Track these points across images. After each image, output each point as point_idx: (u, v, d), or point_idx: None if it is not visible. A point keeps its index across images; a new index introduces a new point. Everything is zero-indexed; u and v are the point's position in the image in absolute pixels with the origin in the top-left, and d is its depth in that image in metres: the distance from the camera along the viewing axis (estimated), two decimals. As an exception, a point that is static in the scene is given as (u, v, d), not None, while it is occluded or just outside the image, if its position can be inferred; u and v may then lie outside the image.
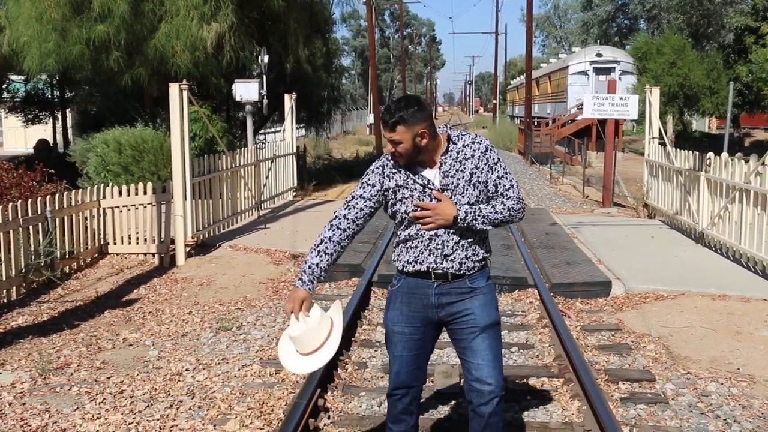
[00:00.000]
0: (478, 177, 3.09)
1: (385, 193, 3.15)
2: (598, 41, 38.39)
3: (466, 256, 3.11)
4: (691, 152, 9.71)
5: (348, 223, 3.22)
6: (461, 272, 3.11)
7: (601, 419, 3.86)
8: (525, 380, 4.81)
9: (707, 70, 24.85)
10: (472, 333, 3.11)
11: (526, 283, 7.11)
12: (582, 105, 17.29)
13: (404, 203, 3.10)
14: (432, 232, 3.07)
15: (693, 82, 24.40)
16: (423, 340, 3.21)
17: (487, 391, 3.06)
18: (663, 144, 11.05)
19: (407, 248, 3.15)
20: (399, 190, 3.11)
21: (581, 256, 8.14)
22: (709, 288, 6.91)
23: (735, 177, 8.06)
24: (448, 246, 3.08)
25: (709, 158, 8.87)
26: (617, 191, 14.76)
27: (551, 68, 40.28)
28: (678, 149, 10.35)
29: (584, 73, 33.02)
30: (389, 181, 3.13)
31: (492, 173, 3.11)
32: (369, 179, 3.17)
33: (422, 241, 3.10)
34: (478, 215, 3.05)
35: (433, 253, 3.09)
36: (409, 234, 3.13)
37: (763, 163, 7.44)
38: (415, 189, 3.08)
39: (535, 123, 32.45)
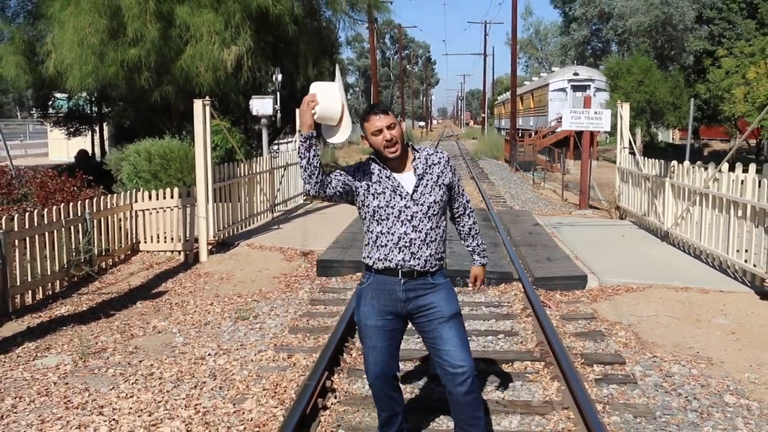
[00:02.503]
0: (443, 180, 3.17)
1: (357, 184, 3.13)
2: (575, 62, 38.30)
3: (430, 254, 3.12)
4: (657, 161, 9.71)
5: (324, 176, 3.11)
6: (425, 269, 3.11)
7: (578, 398, 3.87)
8: (510, 364, 4.81)
9: (671, 88, 24.87)
10: (440, 323, 3.11)
11: (511, 277, 7.11)
12: (561, 118, 17.27)
13: (376, 198, 3.10)
14: (401, 231, 3.08)
15: (658, 98, 24.41)
16: (394, 331, 3.20)
17: (461, 372, 3.05)
18: (633, 153, 11.04)
19: (377, 246, 3.13)
20: (372, 186, 3.11)
21: (561, 253, 8.13)
22: (673, 281, 6.91)
23: (695, 183, 8.06)
24: (415, 245, 3.09)
25: (673, 166, 8.87)
26: (592, 195, 14.75)
27: (534, 86, 40.23)
28: (646, 158, 10.35)
29: (563, 90, 32.97)
30: (364, 176, 3.13)
31: (455, 178, 3.23)
32: (349, 171, 3.17)
33: (392, 239, 3.10)
34: (485, 249, 3.46)
35: (402, 251, 3.09)
36: (380, 231, 3.11)
37: (719, 171, 7.44)
38: (387, 187, 3.10)
39: (520, 134, 32.43)
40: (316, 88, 3.12)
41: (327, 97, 3.08)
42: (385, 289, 3.14)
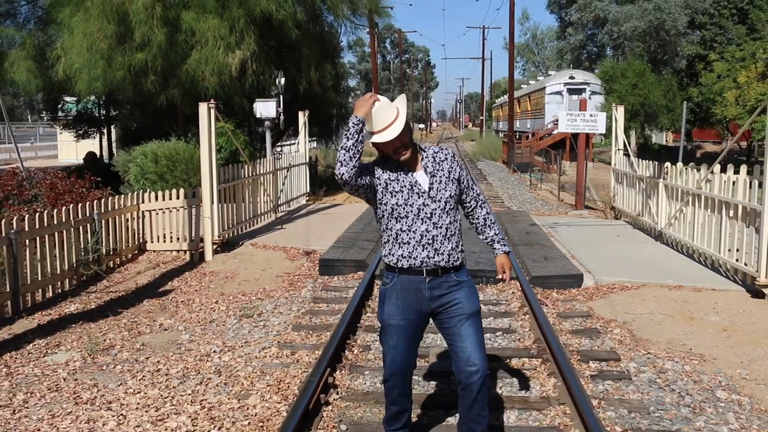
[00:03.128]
0: (454, 174, 3.17)
1: (377, 181, 3.11)
2: (571, 66, 38.31)
3: (451, 248, 3.12)
4: (651, 162, 9.70)
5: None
6: (449, 264, 3.11)
7: (574, 394, 3.87)
8: (508, 360, 4.81)
9: (664, 92, 24.88)
10: (460, 320, 3.11)
11: (508, 275, 7.10)
12: (557, 121, 17.27)
13: (395, 196, 3.09)
14: (423, 228, 3.08)
15: (652, 101, 24.42)
16: (416, 330, 3.20)
17: (475, 370, 3.06)
18: (627, 155, 11.04)
19: (399, 243, 3.11)
20: (390, 183, 3.10)
21: (557, 252, 8.13)
22: (667, 280, 6.91)
23: (688, 183, 8.06)
24: (437, 240, 3.09)
25: (667, 167, 8.87)
26: (588, 196, 14.75)
27: (531, 89, 40.23)
28: (640, 159, 10.34)
29: (559, 93, 32.99)
30: (383, 173, 3.12)
31: (463, 171, 3.23)
32: (368, 163, 3.16)
33: (414, 237, 3.08)
34: (504, 237, 3.37)
35: (426, 248, 3.09)
36: (400, 229, 3.10)
37: (712, 172, 7.44)
38: (405, 186, 3.09)
39: (517, 136, 32.40)
40: (385, 101, 3.07)
41: (385, 108, 3.04)
42: (411, 288, 3.12)
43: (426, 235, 3.08)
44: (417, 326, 3.19)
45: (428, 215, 3.08)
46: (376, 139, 3.03)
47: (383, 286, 3.22)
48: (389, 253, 3.15)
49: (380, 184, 3.11)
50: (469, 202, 3.29)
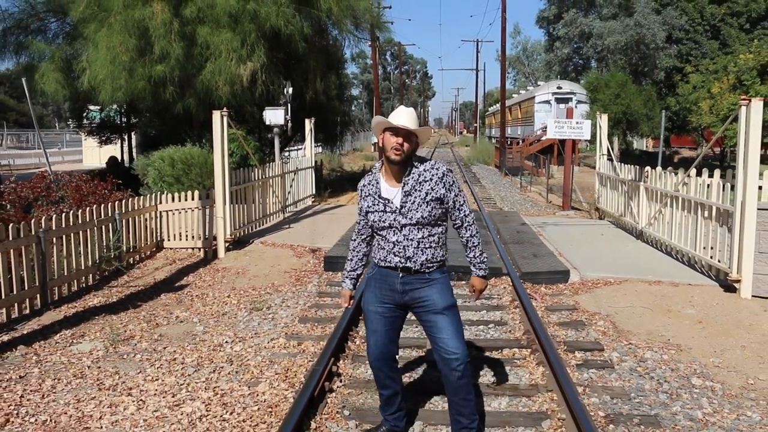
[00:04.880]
0: (433, 195, 3.07)
1: (364, 204, 3.20)
2: (559, 77, 38.26)
3: (426, 259, 3.10)
4: (632, 166, 9.69)
5: (363, 227, 3.31)
6: (422, 270, 3.11)
7: (561, 381, 3.86)
8: (499, 351, 4.80)
9: (644, 101, 24.87)
10: (434, 313, 3.10)
11: (501, 272, 7.10)
12: (546, 128, 17.27)
13: (372, 213, 3.16)
14: (395, 239, 3.10)
15: (633, 110, 24.40)
16: (393, 318, 3.21)
17: (454, 359, 3.05)
18: (610, 159, 11.03)
19: (378, 248, 3.20)
20: (370, 205, 3.16)
21: (545, 250, 8.12)
22: (647, 275, 6.90)
23: (667, 186, 8.05)
24: (409, 250, 3.09)
25: (647, 171, 8.86)
26: (574, 197, 14.73)
27: (521, 98, 40.17)
28: (622, 164, 10.33)
29: (548, 102, 32.92)
30: (364, 201, 3.20)
31: (450, 193, 3.11)
32: (359, 197, 3.26)
33: (387, 246, 3.14)
34: (484, 261, 3.25)
35: (398, 255, 3.11)
36: (379, 238, 3.19)
37: (688, 176, 7.44)
38: (379, 204, 3.12)
39: (509, 142, 32.39)
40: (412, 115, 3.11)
41: (410, 113, 3.08)
42: (386, 280, 3.16)
43: (398, 245, 3.10)
44: (393, 315, 3.20)
45: (399, 228, 3.09)
46: (391, 118, 3.05)
47: (367, 275, 3.30)
48: (373, 255, 3.27)
49: (365, 206, 3.19)
50: (455, 221, 3.20)
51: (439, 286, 3.13)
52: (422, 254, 3.08)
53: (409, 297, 3.14)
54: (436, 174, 3.09)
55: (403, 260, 3.09)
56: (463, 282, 6.79)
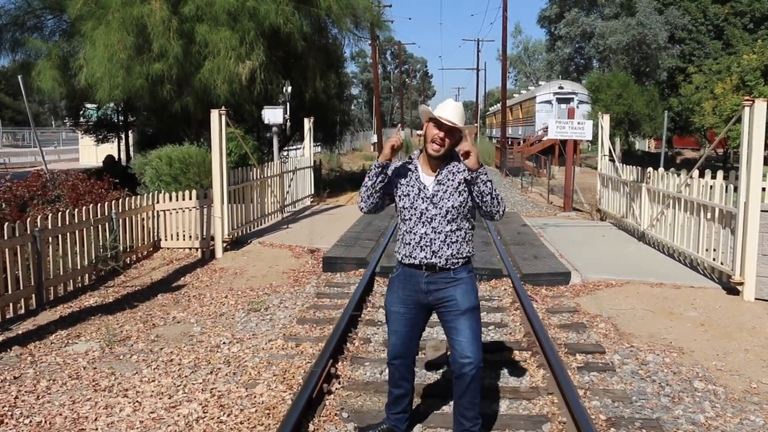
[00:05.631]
0: (464, 187, 3.10)
1: (394, 187, 3.17)
2: (560, 77, 38.29)
3: (451, 253, 3.10)
4: (634, 167, 9.69)
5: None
6: (447, 266, 3.11)
7: (561, 384, 3.86)
8: (500, 353, 4.79)
9: (647, 101, 24.90)
10: (456, 316, 3.11)
11: (501, 273, 7.09)
12: (547, 128, 17.27)
13: (402, 199, 3.14)
14: (422, 231, 3.08)
15: (636, 110, 24.44)
16: (415, 319, 3.22)
17: (468, 362, 3.07)
18: (612, 160, 11.03)
19: (404, 244, 3.17)
20: (401, 187, 3.14)
21: (546, 252, 8.12)
22: (649, 277, 6.90)
23: (669, 188, 8.05)
24: (435, 244, 3.09)
25: (649, 172, 8.86)
26: (575, 198, 14.74)
27: (522, 98, 40.19)
28: (624, 165, 10.33)
29: (549, 102, 32.93)
30: (399, 178, 3.16)
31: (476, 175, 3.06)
32: (392, 168, 3.18)
33: (414, 239, 3.11)
34: (486, 178, 3.03)
35: (423, 250, 3.10)
36: (405, 230, 3.15)
37: (691, 177, 7.44)
38: (413, 189, 3.11)
39: (509, 142, 32.40)
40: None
41: (458, 108, 3.07)
42: (410, 280, 3.16)
43: (424, 238, 3.09)
44: (416, 316, 3.21)
45: (428, 219, 3.09)
46: (437, 112, 3.03)
47: (391, 274, 3.30)
48: (397, 251, 3.23)
49: (397, 189, 3.17)
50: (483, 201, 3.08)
51: (464, 287, 3.14)
52: (448, 249, 3.10)
53: (434, 297, 3.14)
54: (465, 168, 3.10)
55: (429, 255, 3.09)
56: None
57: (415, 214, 3.10)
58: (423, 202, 3.09)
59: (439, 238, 3.09)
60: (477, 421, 3.21)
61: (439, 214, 3.08)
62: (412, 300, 3.17)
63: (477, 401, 3.17)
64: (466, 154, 3.00)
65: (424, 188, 3.09)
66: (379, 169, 3.09)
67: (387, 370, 3.39)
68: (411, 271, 3.15)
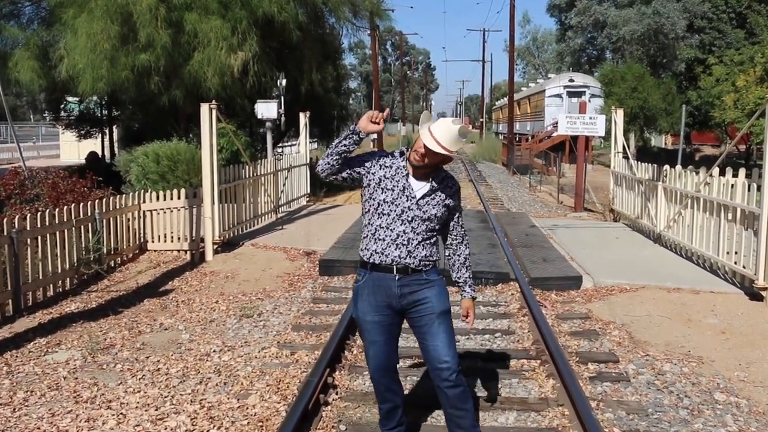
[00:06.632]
0: (448, 203, 3.17)
1: (371, 177, 3.15)
2: (571, 69, 38.33)
3: (425, 255, 3.14)
4: (650, 165, 9.70)
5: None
6: (419, 267, 3.13)
7: (573, 395, 3.85)
8: (507, 362, 4.79)
9: (663, 95, 24.91)
10: (430, 319, 3.13)
11: (508, 277, 7.09)
12: (557, 123, 17.28)
13: (385, 192, 3.12)
14: (401, 228, 3.10)
15: (651, 104, 24.45)
16: (391, 326, 3.21)
17: (446, 367, 3.08)
18: (626, 157, 11.03)
19: (375, 239, 3.14)
20: (384, 181, 3.13)
21: (556, 254, 8.11)
22: (666, 282, 6.89)
23: (687, 186, 8.05)
24: (412, 244, 3.12)
25: (666, 170, 8.86)
26: (587, 198, 14.74)
27: (530, 91, 40.24)
28: (639, 162, 10.33)
29: (559, 96, 32.98)
30: (380, 170, 3.15)
31: (458, 206, 3.26)
32: (368, 157, 3.20)
33: (390, 235, 3.11)
34: (471, 284, 3.34)
35: (399, 248, 3.11)
36: (380, 225, 3.13)
37: (710, 175, 7.43)
38: (398, 185, 3.11)
39: (517, 138, 32.41)
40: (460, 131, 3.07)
41: (455, 135, 3.04)
42: (381, 285, 3.14)
43: (402, 236, 3.11)
44: (392, 322, 3.21)
45: (409, 219, 3.10)
46: (424, 139, 3.03)
47: (356, 283, 3.25)
48: (365, 248, 3.19)
49: (374, 180, 3.14)
50: (456, 237, 3.27)
51: (437, 288, 3.17)
52: (423, 250, 3.13)
53: (407, 300, 3.15)
54: (455, 185, 3.24)
55: (404, 254, 3.10)
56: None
57: (395, 210, 3.11)
58: (407, 201, 3.11)
59: (416, 238, 3.11)
60: (476, 431, 3.21)
61: (421, 217, 3.11)
62: (386, 306, 3.16)
63: (468, 407, 3.17)
64: (466, 316, 3.33)
65: (410, 188, 3.11)
66: (352, 136, 3.08)
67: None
68: (381, 276, 3.14)
